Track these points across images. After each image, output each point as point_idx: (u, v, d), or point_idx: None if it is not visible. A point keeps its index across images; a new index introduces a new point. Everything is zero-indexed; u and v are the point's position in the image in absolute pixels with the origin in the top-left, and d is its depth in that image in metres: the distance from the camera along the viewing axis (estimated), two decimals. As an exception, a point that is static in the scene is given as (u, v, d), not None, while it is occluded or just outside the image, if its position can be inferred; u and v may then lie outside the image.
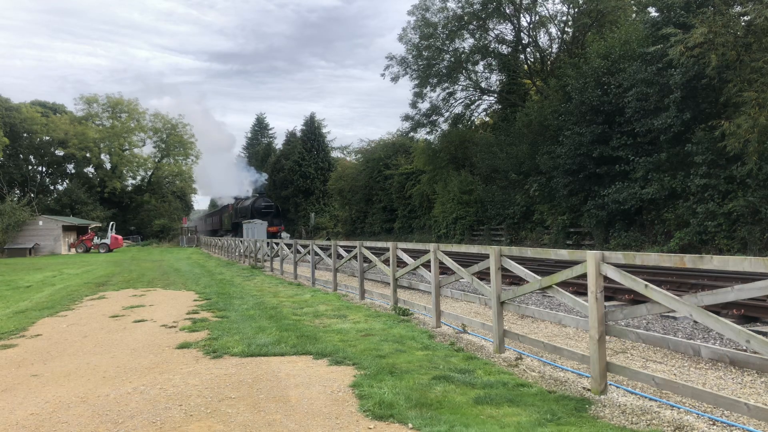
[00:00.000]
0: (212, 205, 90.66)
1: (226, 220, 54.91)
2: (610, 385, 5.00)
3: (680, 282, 10.32)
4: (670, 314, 7.34)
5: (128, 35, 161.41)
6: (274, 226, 46.77)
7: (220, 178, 67.36)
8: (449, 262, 8.09)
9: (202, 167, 78.25)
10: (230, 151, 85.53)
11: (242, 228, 45.62)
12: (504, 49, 35.37)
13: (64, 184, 72.98)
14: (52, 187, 74.75)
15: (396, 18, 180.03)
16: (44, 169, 73.84)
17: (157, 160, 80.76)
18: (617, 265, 4.96)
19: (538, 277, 6.02)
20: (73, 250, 49.33)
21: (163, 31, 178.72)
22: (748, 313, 7.47)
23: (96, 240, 49.34)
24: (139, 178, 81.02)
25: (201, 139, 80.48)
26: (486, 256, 6.92)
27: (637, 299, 8.59)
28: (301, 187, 64.58)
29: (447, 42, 34.77)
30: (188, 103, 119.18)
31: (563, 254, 5.96)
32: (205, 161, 77.56)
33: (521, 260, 13.15)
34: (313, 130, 67.69)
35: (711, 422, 4.17)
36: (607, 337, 5.16)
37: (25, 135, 66.96)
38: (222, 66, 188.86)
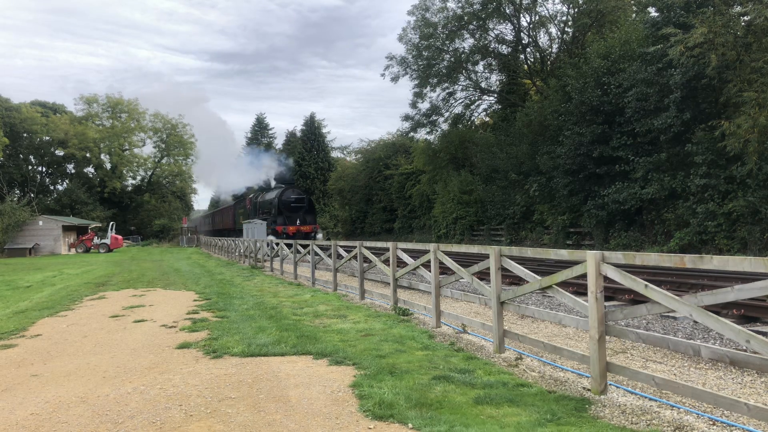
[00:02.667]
0: (213, 204, 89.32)
1: (241, 218, 44.36)
2: (610, 385, 5.00)
3: (680, 282, 10.31)
4: (670, 314, 7.34)
5: (129, 35, 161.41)
6: (307, 225, 35.99)
7: (226, 169, 56.70)
8: (449, 262, 8.09)
9: (203, 161, 72.37)
10: (232, 143, 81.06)
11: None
12: (504, 49, 35.43)
13: (64, 184, 73.08)
14: (52, 187, 74.87)
15: (398, 18, 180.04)
16: (44, 169, 73.92)
17: (157, 160, 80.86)
18: (617, 265, 4.95)
19: (538, 277, 6.01)
20: (73, 250, 49.34)
21: (164, 31, 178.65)
22: (748, 313, 7.47)
23: (96, 240, 49.37)
24: (139, 178, 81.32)
25: (200, 129, 75.67)
26: (486, 256, 6.92)
27: (637, 299, 8.58)
28: (300, 187, 64.55)
29: (447, 42, 34.83)
30: (186, 92, 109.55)
31: (563, 254, 5.96)
32: (207, 154, 70.74)
33: (521, 260, 13.15)
34: (313, 130, 67.76)
35: (711, 422, 4.16)
36: (607, 337, 5.16)
37: (25, 135, 67.06)
38: (223, 66, 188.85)
